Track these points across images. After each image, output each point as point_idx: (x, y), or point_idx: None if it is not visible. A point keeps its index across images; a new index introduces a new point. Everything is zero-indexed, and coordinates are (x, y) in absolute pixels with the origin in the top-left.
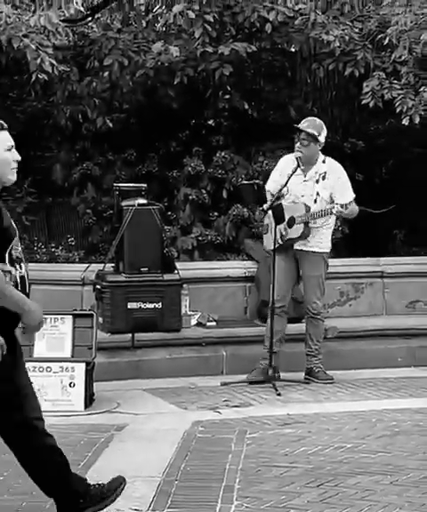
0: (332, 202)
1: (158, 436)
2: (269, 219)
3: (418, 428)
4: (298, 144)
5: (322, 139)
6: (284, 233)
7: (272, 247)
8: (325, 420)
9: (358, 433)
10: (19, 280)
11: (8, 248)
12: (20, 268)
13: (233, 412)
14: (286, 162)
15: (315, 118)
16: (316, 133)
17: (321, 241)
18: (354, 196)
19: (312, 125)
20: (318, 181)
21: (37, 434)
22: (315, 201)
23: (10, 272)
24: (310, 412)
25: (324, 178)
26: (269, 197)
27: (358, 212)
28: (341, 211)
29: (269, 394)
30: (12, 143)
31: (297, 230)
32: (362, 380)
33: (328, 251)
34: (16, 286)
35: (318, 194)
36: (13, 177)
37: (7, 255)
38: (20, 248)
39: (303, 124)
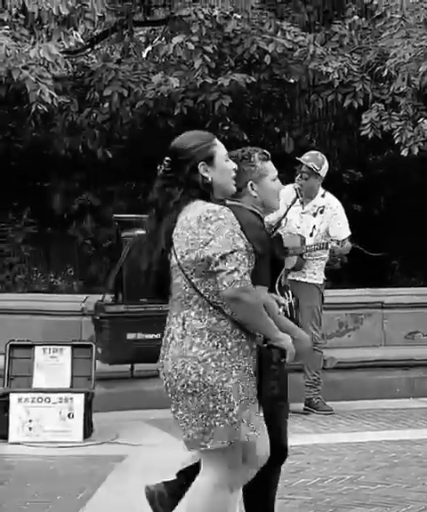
0: (327, 236)
1: (157, 468)
2: None
3: (417, 460)
4: (298, 176)
5: (322, 173)
6: None
7: None
8: (324, 450)
9: (358, 464)
10: (288, 308)
11: (278, 277)
12: (288, 295)
13: None
14: (286, 191)
15: (318, 152)
16: (317, 167)
17: (314, 272)
18: (350, 233)
19: (313, 159)
20: (315, 215)
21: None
22: (311, 234)
23: (284, 304)
24: (310, 442)
25: (321, 212)
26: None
27: (351, 249)
28: (336, 247)
29: None
30: (276, 173)
31: (291, 261)
32: (361, 411)
33: (322, 282)
34: (286, 314)
35: (314, 227)
36: (279, 205)
37: (276, 284)
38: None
39: (305, 157)
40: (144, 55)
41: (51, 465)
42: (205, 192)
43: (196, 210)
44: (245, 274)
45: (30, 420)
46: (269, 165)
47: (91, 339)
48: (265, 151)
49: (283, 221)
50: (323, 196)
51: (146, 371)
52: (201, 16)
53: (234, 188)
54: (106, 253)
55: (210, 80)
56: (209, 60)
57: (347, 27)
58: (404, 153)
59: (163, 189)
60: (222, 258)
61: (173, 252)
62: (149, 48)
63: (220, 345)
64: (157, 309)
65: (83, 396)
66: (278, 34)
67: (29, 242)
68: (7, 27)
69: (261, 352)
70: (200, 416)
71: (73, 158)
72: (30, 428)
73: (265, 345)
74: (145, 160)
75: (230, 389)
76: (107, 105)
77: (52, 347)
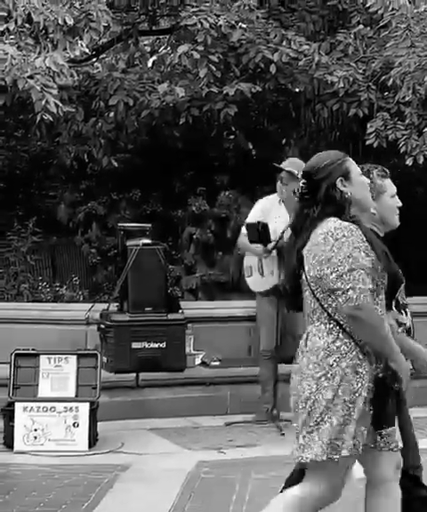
0: None
1: (162, 477)
2: (251, 261)
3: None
4: (279, 183)
5: None
6: (276, 272)
7: (265, 288)
8: None
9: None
10: (409, 327)
11: (396, 294)
12: (407, 314)
13: (237, 453)
14: (271, 202)
15: (296, 159)
16: (295, 171)
17: None
18: None
19: (292, 164)
20: None
21: (415, 484)
22: None
23: (404, 324)
24: None
25: None
26: (243, 240)
27: None
28: None
29: (273, 434)
30: (395, 190)
31: None
32: None
33: None
34: (407, 333)
35: None
36: (397, 222)
37: (394, 301)
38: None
39: (284, 164)
40: (149, 64)
41: (56, 474)
42: (341, 209)
43: (326, 226)
44: (361, 292)
45: (35, 429)
46: (388, 182)
47: (96, 348)
48: (384, 168)
49: (286, 233)
50: None
51: (151, 380)
52: (206, 25)
53: (373, 203)
54: (111, 262)
55: (215, 89)
56: (214, 69)
57: (352, 36)
58: (409, 162)
59: (302, 212)
60: (339, 276)
61: (303, 267)
62: (155, 57)
63: (335, 364)
64: (162, 319)
65: (88, 405)
66: (284, 43)
67: (35, 251)
68: (13, 36)
69: (377, 381)
70: (305, 429)
71: (78, 167)
72: (35, 437)
73: (380, 375)
74: (150, 169)
75: (339, 408)
76: (112, 114)
77: (57, 356)
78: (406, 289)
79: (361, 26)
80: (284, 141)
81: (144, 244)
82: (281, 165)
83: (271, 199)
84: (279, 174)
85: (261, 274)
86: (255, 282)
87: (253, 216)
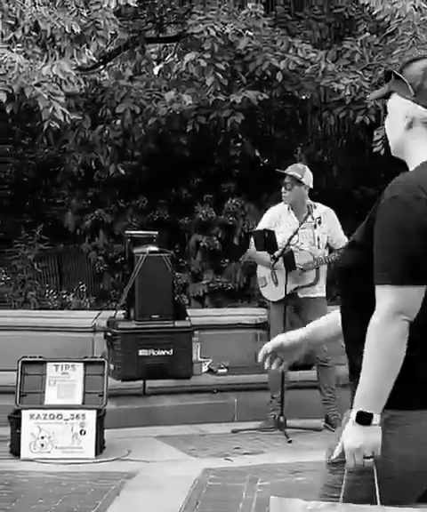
0: (328, 246)
1: (169, 484)
2: (264, 272)
3: None
4: (283, 189)
5: (306, 181)
6: (293, 281)
7: (279, 297)
8: None
9: None
10: None
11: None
12: None
13: (244, 460)
14: (280, 210)
15: (298, 164)
16: (298, 175)
17: (322, 286)
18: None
19: (294, 169)
20: (315, 226)
21: None
22: (318, 247)
23: None
24: (322, 459)
25: (320, 223)
26: (253, 249)
27: None
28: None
29: (280, 441)
30: None
31: (310, 276)
32: None
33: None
34: None
35: (318, 239)
36: None
37: None
38: None
39: (287, 169)
40: (156, 72)
41: (63, 482)
42: None
43: None
44: None
45: (42, 437)
46: None
47: (103, 355)
48: None
49: (294, 238)
50: (315, 207)
51: (158, 387)
52: (213, 33)
53: None
54: (118, 270)
55: (222, 97)
56: (221, 77)
57: (358, 43)
58: None
59: None
60: None
61: None
62: (161, 65)
63: None
64: (169, 326)
65: (95, 412)
66: (290, 51)
67: (42, 258)
68: (20, 44)
69: None
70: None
71: (85, 175)
72: (42, 445)
73: None
74: (157, 176)
75: None
76: (119, 122)
77: (64, 363)
78: None
79: (368, 33)
80: (296, 150)
81: (151, 252)
82: (283, 171)
83: (281, 207)
84: (284, 180)
85: (275, 283)
86: (270, 291)
87: (262, 224)
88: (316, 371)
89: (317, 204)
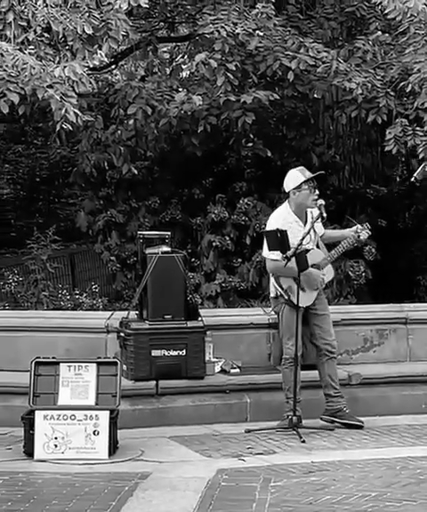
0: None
1: (182, 485)
2: (288, 282)
3: None
4: (317, 193)
5: (286, 188)
6: (322, 278)
7: (311, 301)
8: (349, 467)
9: (383, 481)
10: None
11: None
12: None
13: (257, 460)
14: (284, 212)
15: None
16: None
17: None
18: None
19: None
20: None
21: None
22: (317, 246)
23: None
24: (335, 459)
25: (318, 219)
26: (270, 256)
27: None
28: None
29: (293, 441)
30: None
31: (331, 272)
32: (386, 427)
33: None
34: None
35: (321, 236)
36: None
37: None
38: None
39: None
40: (167, 72)
41: (76, 482)
42: None
43: None
44: None
45: (56, 438)
46: None
47: (116, 356)
48: None
49: (307, 237)
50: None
51: (171, 387)
52: (224, 34)
53: None
54: (131, 270)
55: (233, 97)
56: (232, 77)
57: (370, 42)
58: None
59: None
60: None
61: None
62: (173, 65)
63: None
64: (182, 326)
65: (108, 413)
66: (301, 50)
67: (55, 259)
68: (32, 46)
69: None
70: None
71: (98, 175)
72: (56, 445)
73: None
74: (169, 176)
75: None
76: (131, 122)
77: (77, 364)
78: None
79: (379, 32)
80: (301, 147)
81: (163, 252)
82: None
83: (284, 209)
84: (311, 183)
85: (302, 289)
86: (301, 298)
87: (273, 224)
88: (321, 366)
89: None
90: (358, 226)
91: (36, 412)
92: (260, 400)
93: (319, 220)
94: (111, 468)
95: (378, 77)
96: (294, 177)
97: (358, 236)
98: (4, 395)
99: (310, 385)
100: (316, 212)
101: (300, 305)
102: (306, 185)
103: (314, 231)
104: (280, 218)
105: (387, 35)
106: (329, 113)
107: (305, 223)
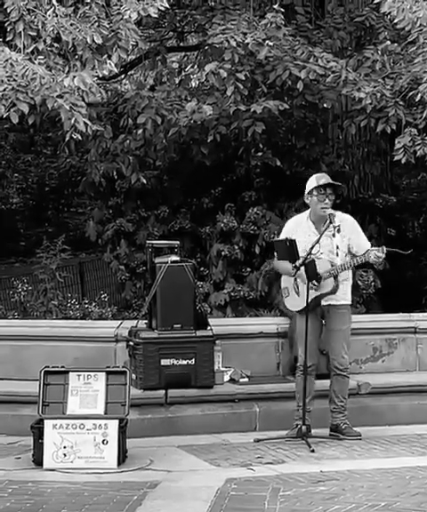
0: (349, 253)
1: (191, 494)
2: (287, 282)
3: None
4: (327, 200)
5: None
6: (313, 289)
7: (302, 307)
8: (358, 477)
9: (393, 491)
10: None
11: None
12: None
13: (266, 469)
14: (300, 219)
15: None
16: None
17: (346, 293)
18: (369, 243)
19: (324, 177)
20: (334, 235)
21: None
22: (337, 254)
23: None
24: (344, 468)
25: (339, 231)
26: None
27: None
28: (369, 258)
29: (302, 450)
30: None
31: (328, 285)
32: (395, 437)
33: (351, 303)
34: None
35: (337, 247)
36: None
37: None
38: None
39: (322, 180)
40: (177, 82)
41: (85, 491)
42: None
43: None
44: None
45: (65, 447)
46: None
47: (125, 365)
48: None
49: (316, 247)
50: (335, 215)
51: (180, 397)
52: (233, 44)
53: None
54: (140, 279)
55: (243, 107)
56: (241, 87)
57: (379, 52)
58: None
59: None
60: None
61: None
62: (182, 75)
63: None
64: (191, 335)
65: (117, 422)
66: (311, 60)
67: (64, 268)
68: (42, 56)
69: None
70: None
71: (107, 184)
72: (65, 455)
73: None
74: (178, 186)
75: None
76: (140, 132)
77: (86, 373)
78: None
79: (388, 42)
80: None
81: (172, 262)
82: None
83: (301, 216)
84: (326, 190)
85: (297, 293)
86: (293, 301)
87: (283, 233)
88: (330, 380)
89: (337, 212)
90: (377, 248)
91: (46, 421)
92: (269, 409)
93: (335, 229)
94: (120, 478)
95: (387, 87)
96: (310, 182)
97: (369, 256)
98: (14, 404)
99: (319, 394)
100: (347, 221)
101: (290, 308)
102: (316, 191)
103: (333, 241)
104: (293, 221)
105: (396, 44)
106: (338, 122)
107: (326, 230)
